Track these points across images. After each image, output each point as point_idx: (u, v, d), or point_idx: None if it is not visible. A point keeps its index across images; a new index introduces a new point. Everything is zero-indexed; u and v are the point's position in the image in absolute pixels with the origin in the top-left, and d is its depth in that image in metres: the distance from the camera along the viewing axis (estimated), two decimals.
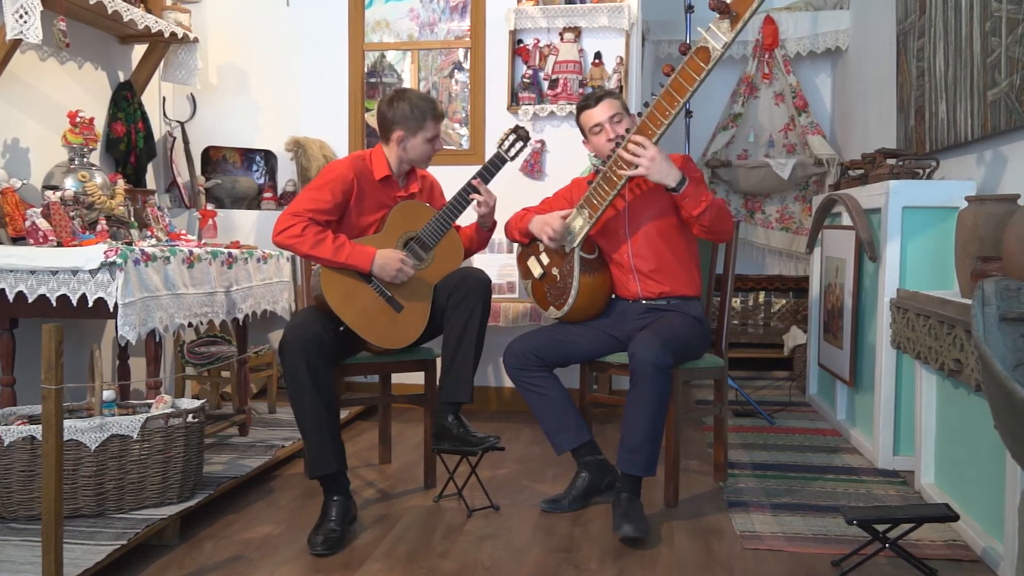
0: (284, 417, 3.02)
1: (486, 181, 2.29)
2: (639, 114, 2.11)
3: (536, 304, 2.38)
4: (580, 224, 2.24)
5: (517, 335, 2.34)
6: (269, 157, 3.56)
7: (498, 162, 2.29)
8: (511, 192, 3.19)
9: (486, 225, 2.36)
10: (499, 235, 3.14)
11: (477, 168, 2.31)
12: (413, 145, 2.24)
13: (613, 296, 2.38)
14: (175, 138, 3.38)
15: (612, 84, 3.32)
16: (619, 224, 2.30)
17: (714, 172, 4.35)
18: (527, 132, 2.34)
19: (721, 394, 2.41)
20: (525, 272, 2.41)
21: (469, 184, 2.26)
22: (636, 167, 2.07)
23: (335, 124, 3.51)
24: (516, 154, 2.33)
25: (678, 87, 2.00)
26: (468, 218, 2.47)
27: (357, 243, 2.18)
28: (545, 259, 2.33)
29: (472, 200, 2.26)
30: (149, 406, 2.11)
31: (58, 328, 1.44)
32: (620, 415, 2.11)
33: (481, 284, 2.19)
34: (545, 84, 3.36)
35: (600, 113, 2.24)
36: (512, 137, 2.33)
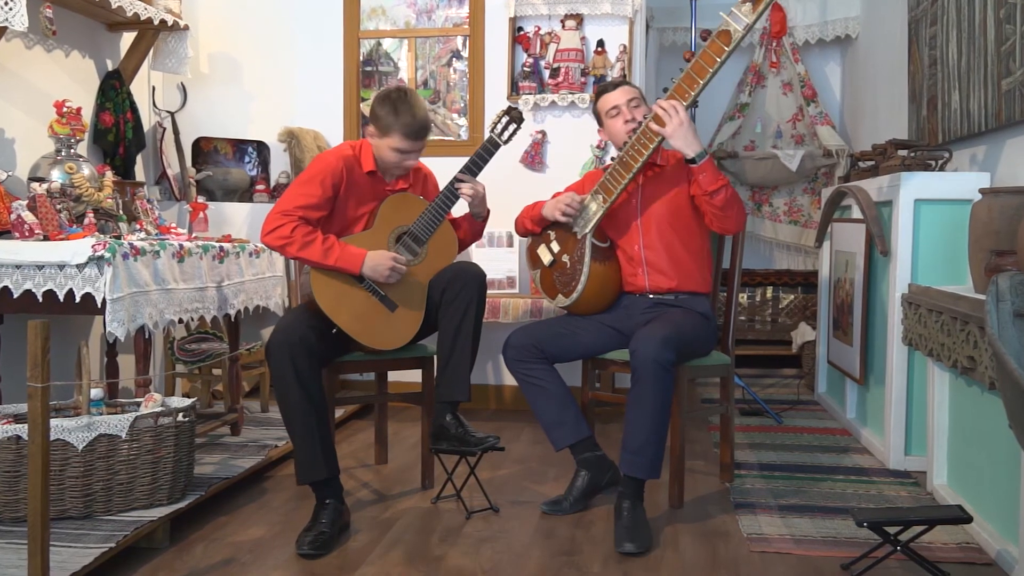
0: (277, 416, 2.95)
1: (480, 167, 2.23)
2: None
3: (544, 293, 2.35)
4: (594, 209, 2.22)
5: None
6: (262, 148, 3.53)
7: (491, 147, 2.23)
8: (511, 185, 3.15)
9: (479, 215, 2.31)
10: (499, 229, 3.10)
11: (456, 173, 2.24)
12: (378, 146, 2.18)
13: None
14: (165, 128, 3.35)
15: (615, 73, 3.26)
16: (632, 216, 2.27)
17: (720, 163, 4.29)
18: (520, 113, 2.28)
19: (727, 392, 2.38)
20: (535, 261, 2.37)
21: (455, 178, 2.21)
22: (663, 126, 2.06)
23: (330, 114, 3.46)
24: (510, 137, 2.27)
25: (699, 69, 2.03)
26: (460, 209, 2.41)
27: (347, 243, 2.12)
28: (556, 246, 2.30)
29: (458, 197, 2.21)
30: (138, 405, 2.08)
31: (44, 324, 1.42)
32: (623, 414, 2.06)
33: (476, 278, 2.15)
34: (546, 73, 3.31)
35: (619, 96, 2.25)
36: (505, 119, 2.26)
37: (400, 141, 2.13)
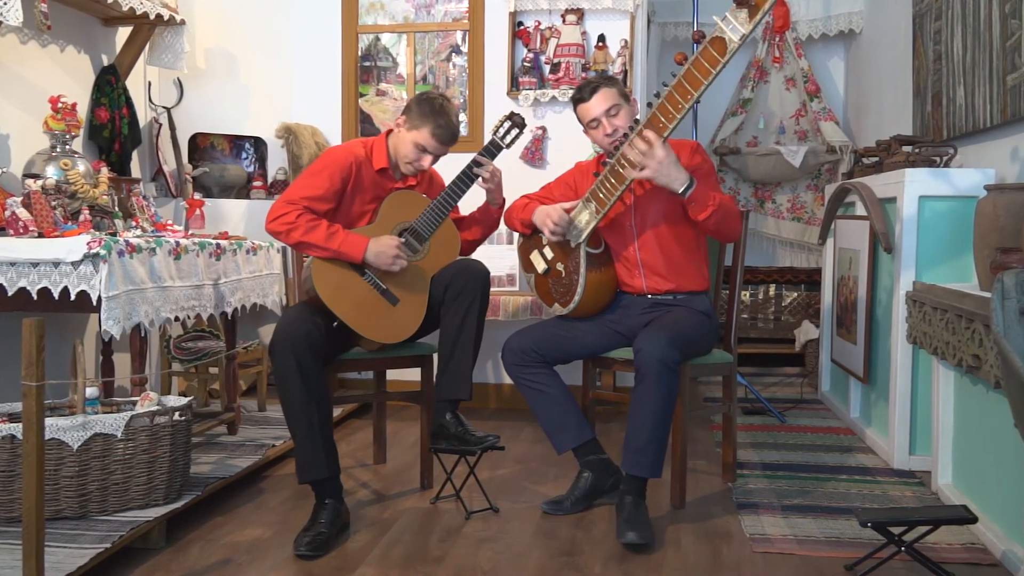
0: (274, 415, 2.96)
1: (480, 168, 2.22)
2: (649, 105, 2.01)
3: (539, 299, 2.32)
4: (586, 219, 2.16)
5: (517, 329, 2.28)
6: (259, 144, 3.51)
7: (493, 150, 2.24)
8: (511, 181, 3.09)
9: (495, 202, 2.28)
10: (499, 226, 3.07)
11: (475, 155, 2.24)
12: (402, 138, 2.18)
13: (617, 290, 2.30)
14: (161, 124, 3.33)
15: (616, 68, 3.24)
16: (626, 218, 2.23)
17: (723, 160, 4.27)
18: (523, 119, 2.28)
19: (730, 391, 2.36)
20: (528, 266, 2.34)
21: (473, 160, 2.20)
22: (641, 168, 1.96)
23: (327, 110, 3.45)
24: (512, 142, 2.28)
25: (692, 80, 1.89)
26: (469, 207, 2.39)
27: (351, 232, 2.11)
28: (549, 253, 2.26)
29: (472, 182, 2.19)
30: (134, 404, 2.07)
31: (39, 322, 1.41)
32: (625, 413, 2.06)
33: (479, 276, 2.13)
34: (546, 68, 3.29)
35: (596, 107, 2.14)
36: (508, 124, 2.26)
37: (428, 139, 2.14)
